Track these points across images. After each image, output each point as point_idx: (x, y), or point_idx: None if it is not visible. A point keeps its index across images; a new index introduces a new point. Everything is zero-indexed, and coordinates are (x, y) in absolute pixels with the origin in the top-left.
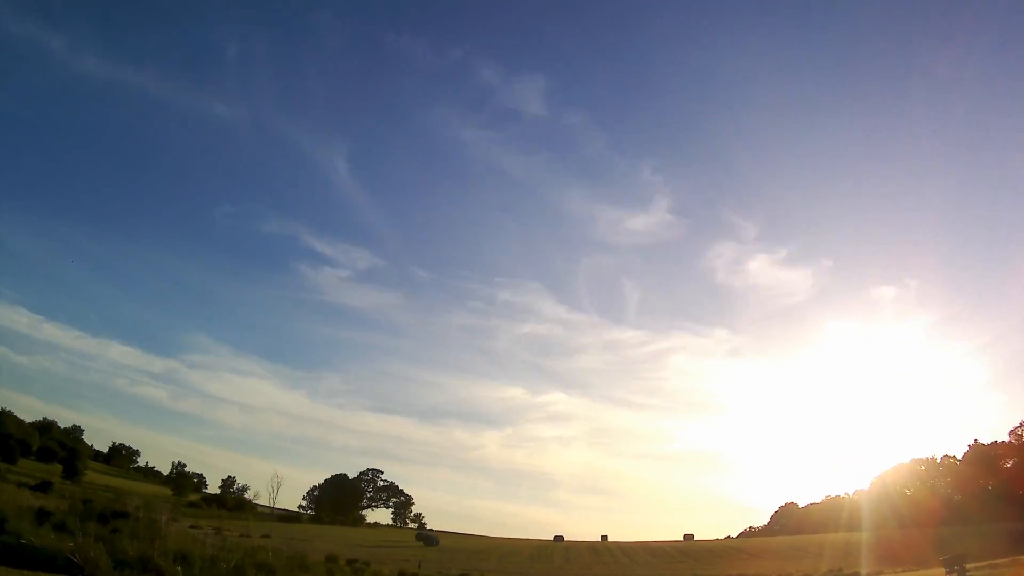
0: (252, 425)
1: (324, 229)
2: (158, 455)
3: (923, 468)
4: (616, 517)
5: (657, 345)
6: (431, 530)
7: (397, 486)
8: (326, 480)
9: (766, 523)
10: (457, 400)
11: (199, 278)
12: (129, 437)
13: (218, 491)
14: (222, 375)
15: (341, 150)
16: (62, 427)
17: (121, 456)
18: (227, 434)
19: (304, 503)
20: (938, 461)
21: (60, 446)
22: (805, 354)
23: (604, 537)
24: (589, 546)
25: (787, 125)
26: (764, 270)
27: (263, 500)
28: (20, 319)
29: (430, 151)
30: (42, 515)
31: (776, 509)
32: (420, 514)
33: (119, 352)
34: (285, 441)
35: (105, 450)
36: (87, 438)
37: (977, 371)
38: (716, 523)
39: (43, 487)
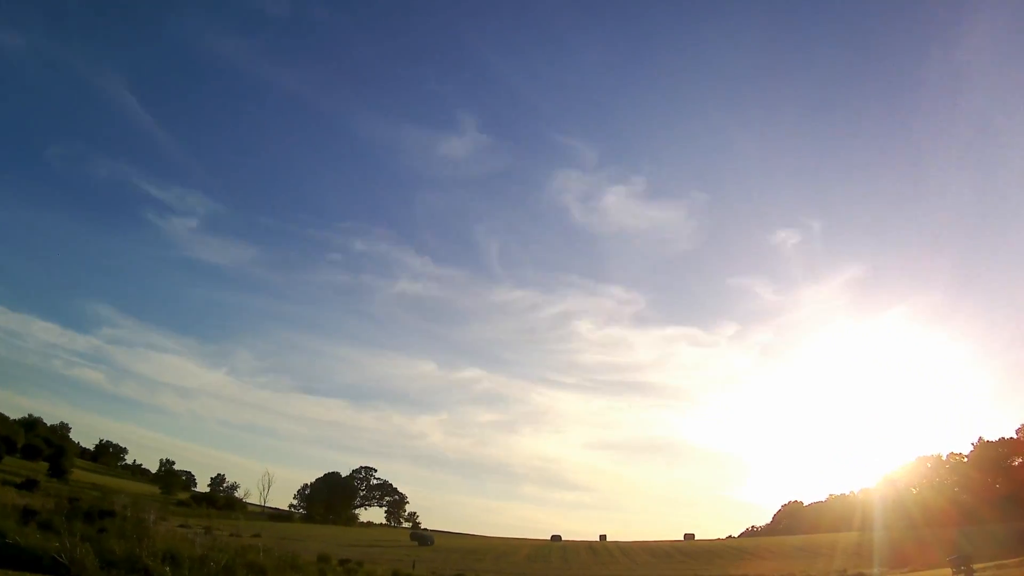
0: (196, 410)
1: (147, 169)
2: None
3: (929, 466)
4: (613, 516)
5: (551, 309)
6: (426, 529)
7: (391, 484)
8: (318, 479)
9: (768, 522)
10: (375, 378)
11: (60, 230)
12: (82, 424)
13: (207, 489)
14: (140, 351)
15: (118, 78)
16: (48, 424)
17: (108, 454)
18: (176, 422)
19: (295, 502)
20: (944, 459)
21: (46, 443)
22: (718, 314)
23: (603, 537)
24: (587, 546)
25: (611, 23)
26: (626, 206)
27: (254, 499)
28: None
29: (197, 70)
30: (27, 514)
31: (779, 508)
32: (415, 513)
33: (40, 328)
34: (235, 429)
35: (92, 447)
36: (74, 435)
37: (929, 334)
38: (717, 522)
39: (28, 485)
